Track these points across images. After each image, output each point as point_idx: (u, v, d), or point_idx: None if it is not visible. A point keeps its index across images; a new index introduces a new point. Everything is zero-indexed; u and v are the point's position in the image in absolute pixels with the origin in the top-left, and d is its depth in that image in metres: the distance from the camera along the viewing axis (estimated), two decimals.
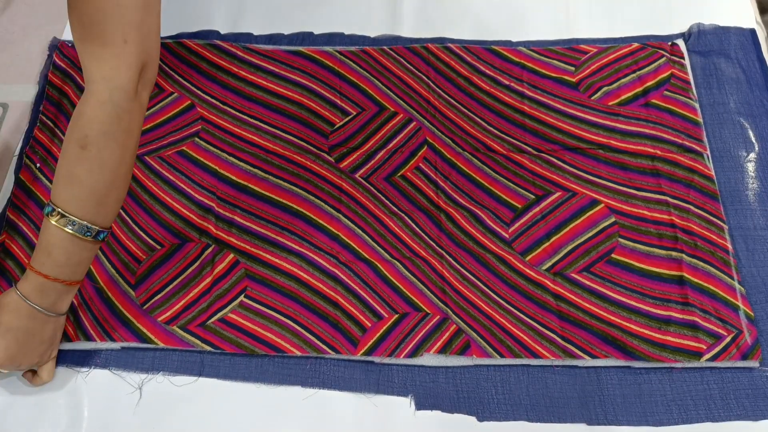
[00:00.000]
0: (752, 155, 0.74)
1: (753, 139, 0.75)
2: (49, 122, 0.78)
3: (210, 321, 0.66)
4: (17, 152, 0.77)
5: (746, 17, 0.83)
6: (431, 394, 0.63)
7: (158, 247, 0.70)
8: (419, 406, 0.63)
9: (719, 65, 0.79)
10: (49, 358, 0.62)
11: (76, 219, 0.55)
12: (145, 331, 0.66)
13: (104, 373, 0.64)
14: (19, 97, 0.81)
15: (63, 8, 0.86)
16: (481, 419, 0.62)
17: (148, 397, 0.63)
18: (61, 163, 0.56)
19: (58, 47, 0.83)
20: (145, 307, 0.67)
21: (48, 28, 0.86)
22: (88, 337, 0.65)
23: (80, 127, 0.54)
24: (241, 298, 0.67)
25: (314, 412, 0.63)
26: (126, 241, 0.70)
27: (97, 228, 0.56)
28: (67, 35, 0.85)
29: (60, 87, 0.80)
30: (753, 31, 0.81)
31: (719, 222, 0.70)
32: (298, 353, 0.64)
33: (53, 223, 0.55)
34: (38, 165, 0.75)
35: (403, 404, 0.63)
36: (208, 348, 0.65)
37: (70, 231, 0.55)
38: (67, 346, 0.65)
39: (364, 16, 0.86)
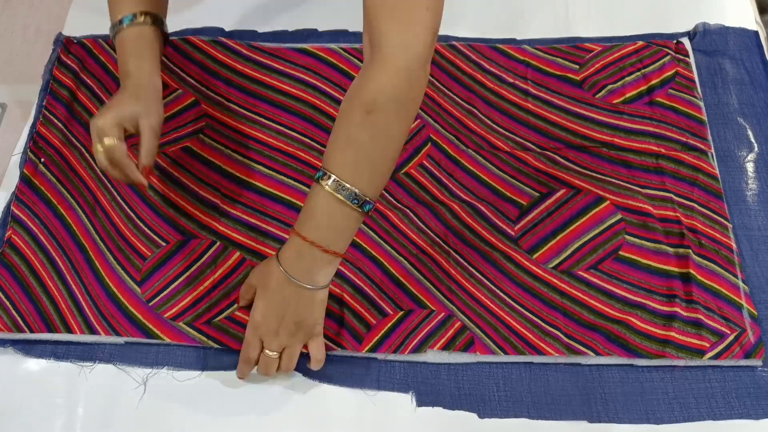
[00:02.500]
0: (756, 156, 0.74)
1: (757, 140, 0.75)
2: (52, 118, 0.78)
3: (217, 318, 0.66)
4: (18, 150, 0.76)
5: (746, 17, 0.83)
6: (432, 390, 0.63)
7: (163, 244, 0.70)
8: (420, 402, 0.63)
9: (724, 65, 0.80)
10: (311, 333, 0.60)
11: (347, 185, 0.53)
12: (150, 326, 0.66)
13: (103, 371, 0.64)
14: (19, 96, 0.81)
15: (63, 7, 0.87)
16: (482, 416, 0.62)
17: (146, 396, 0.63)
18: (341, 126, 0.55)
19: (63, 43, 0.83)
20: (150, 303, 0.67)
21: (47, 28, 0.86)
22: (93, 331, 0.65)
23: (369, 92, 0.53)
24: None
25: (314, 410, 0.63)
26: (131, 237, 0.70)
27: (366, 198, 0.55)
28: (67, 33, 0.85)
29: (64, 83, 0.80)
30: (757, 33, 0.82)
31: (723, 221, 0.70)
32: (303, 350, 0.64)
33: (323, 186, 0.54)
34: (42, 160, 0.75)
35: (404, 401, 0.63)
36: (215, 345, 0.65)
37: (339, 197, 0.54)
38: (71, 338, 0.65)
39: (353, 14, 0.86)
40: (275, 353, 0.59)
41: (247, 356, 0.60)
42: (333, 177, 0.54)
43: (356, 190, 0.54)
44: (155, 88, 0.64)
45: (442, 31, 0.82)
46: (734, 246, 0.69)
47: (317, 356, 0.61)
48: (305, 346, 0.61)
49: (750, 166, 0.74)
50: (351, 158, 0.54)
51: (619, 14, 0.85)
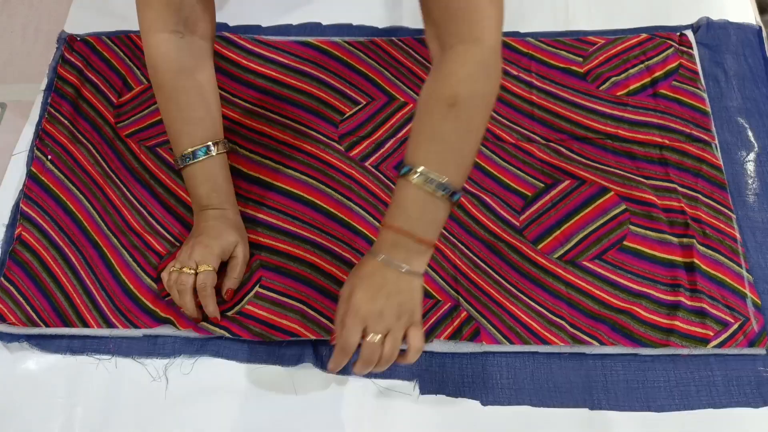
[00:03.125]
0: (758, 149, 0.75)
1: (759, 134, 0.75)
2: (58, 115, 0.78)
3: (229, 312, 0.67)
4: (18, 150, 0.77)
5: (746, 17, 0.83)
6: (436, 378, 0.64)
7: (176, 243, 0.70)
8: (423, 390, 0.63)
9: (726, 59, 0.80)
10: (413, 319, 0.57)
11: (435, 176, 0.54)
12: (166, 316, 0.66)
13: (103, 370, 0.65)
14: (18, 96, 0.81)
15: (63, 7, 0.87)
16: (484, 404, 0.63)
17: (145, 396, 0.64)
18: (423, 121, 0.56)
19: (66, 40, 0.83)
20: (167, 299, 0.67)
21: (47, 28, 0.85)
22: (110, 325, 0.66)
23: (450, 86, 0.54)
24: (257, 288, 0.68)
25: (315, 409, 0.63)
26: (144, 233, 0.71)
27: (453, 188, 0.55)
28: (68, 31, 0.85)
29: (69, 80, 0.80)
30: (760, 29, 0.82)
31: (727, 211, 0.71)
32: (313, 337, 0.65)
33: (410, 180, 0.54)
34: (49, 157, 0.75)
35: (406, 401, 0.63)
36: (227, 334, 0.65)
37: (429, 189, 0.54)
38: (87, 332, 0.66)
39: (366, 10, 0.86)
40: (379, 337, 0.55)
41: (347, 343, 0.56)
42: (420, 170, 0.54)
43: (444, 180, 0.54)
44: (241, 221, 0.69)
45: None
46: (738, 236, 0.69)
47: (417, 345, 0.57)
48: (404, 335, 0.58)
49: (752, 160, 0.74)
50: (436, 151, 0.55)
51: (618, 13, 0.85)
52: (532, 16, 0.85)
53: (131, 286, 0.68)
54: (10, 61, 0.84)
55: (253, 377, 0.65)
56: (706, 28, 0.82)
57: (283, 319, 0.66)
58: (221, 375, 0.65)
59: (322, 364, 0.65)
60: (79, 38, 0.84)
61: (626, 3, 0.86)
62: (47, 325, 0.66)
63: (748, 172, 0.73)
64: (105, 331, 0.66)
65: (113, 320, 0.66)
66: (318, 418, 0.63)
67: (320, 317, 0.66)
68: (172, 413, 0.63)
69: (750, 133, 0.76)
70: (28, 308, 0.67)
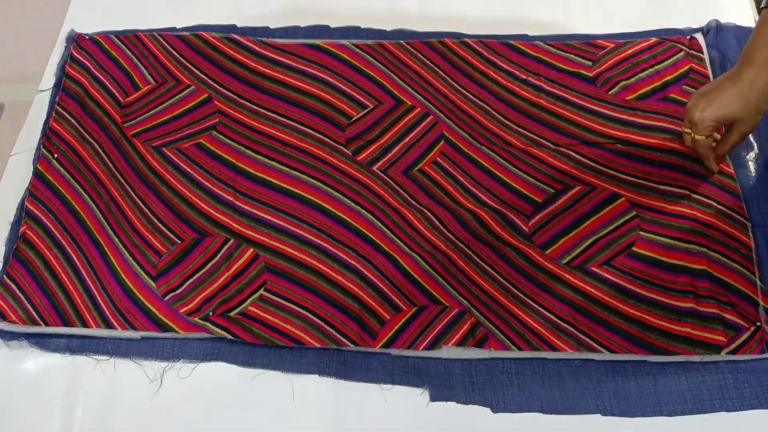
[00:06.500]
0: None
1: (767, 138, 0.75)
2: (65, 114, 0.78)
3: (230, 313, 0.66)
4: (16, 150, 0.77)
5: (745, 16, 0.83)
6: (446, 385, 0.63)
7: (177, 240, 0.70)
8: (433, 397, 0.63)
9: (735, 63, 0.79)
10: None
11: None
12: (167, 321, 0.66)
13: (103, 370, 0.65)
14: (16, 97, 0.81)
15: (62, 7, 0.87)
16: (495, 411, 0.62)
17: (143, 396, 0.63)
18: None
19: (75, 39, 0.84)
20: (166, 298, 0.67)
21: (47, 28, 0.86)
22: (109, 326, 0.66)
23: None
24: (261, 291, 0.67)
25: (319, 408, 0.63)
26: (145, 233, 0.71)
27: None
28: (66, 32, 0.85)
29: (77, 79, 0.80)
30: None
31: (741, 219, 0.69)
32: (318, 345, 0.65)
33: None
34: (56, 156, 0.75)
35: (413, 402, 0.63)
36: (228, 335, 0.65)
37: None
38: (86, 332, 0.66)
39: (374, 13, 0.86)
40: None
41: None
42: None
43: None
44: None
45: (448, 28, 0.83)
46: (752, 244, 0.68)
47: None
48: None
49: (762, 163, 0.73)
50: None
51: (617, 14, 0.85)
52: (535, 18, 0.85)
53: (131, 286, 0.68)
54: (11, 62, 0.84)
55: (253, 381, 0.64)
56: (715, 31, 0.81)
57: (287, 324, 0.66)
58: (220, 378, 0.64)
59: (326, 372, 0.64)
60: (87, 37, 0.84)
61: (623, 5, 0.86)
62: (47, 324, 0.66)
63: (759, 176, 0.72)
64: (104, 332, 0.66)
65: (112, 321, 0.66)
66: (322, 426, 0.62)
67: (325, 325, 0.66)
68: (170, 417, 0.62)
69: (759, 137, 0.75)
70: (29, 307, 0.67)
